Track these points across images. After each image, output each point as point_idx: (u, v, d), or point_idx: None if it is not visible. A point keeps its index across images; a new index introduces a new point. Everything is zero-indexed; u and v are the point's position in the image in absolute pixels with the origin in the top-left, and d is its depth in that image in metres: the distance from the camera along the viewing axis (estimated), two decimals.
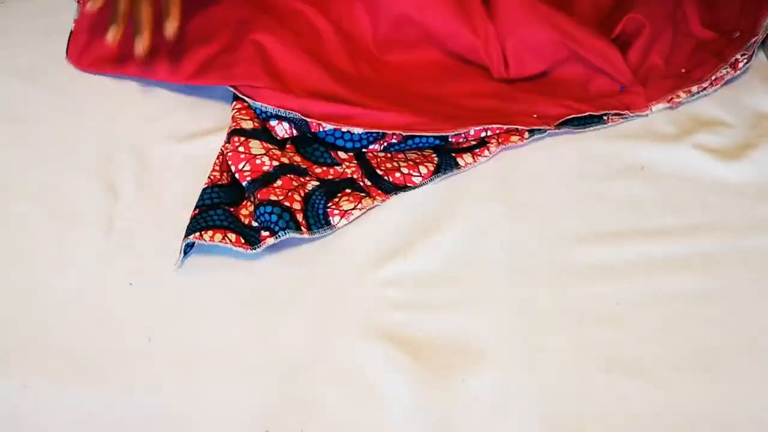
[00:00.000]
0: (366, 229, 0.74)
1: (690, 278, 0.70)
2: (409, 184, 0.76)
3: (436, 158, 0.78)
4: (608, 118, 0.82)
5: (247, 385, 0.63)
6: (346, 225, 0.73)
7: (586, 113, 0.81)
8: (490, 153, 0.79)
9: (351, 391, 0.63)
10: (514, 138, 0.80)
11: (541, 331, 0.67)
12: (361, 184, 0.76)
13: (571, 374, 0.64)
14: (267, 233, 0.71)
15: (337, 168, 0.77)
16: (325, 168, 0.77)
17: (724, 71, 0.85)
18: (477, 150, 0.79)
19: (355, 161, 0.78)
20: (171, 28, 0.75)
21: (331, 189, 0.75)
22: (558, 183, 0.78)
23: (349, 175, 0.77)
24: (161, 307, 0.68)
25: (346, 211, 0.74)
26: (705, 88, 0.85)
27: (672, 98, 0.84)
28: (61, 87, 0.84)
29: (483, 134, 0.80)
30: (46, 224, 0.73)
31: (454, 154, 0.78)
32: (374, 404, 0.62)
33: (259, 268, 0.71)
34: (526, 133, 0.80)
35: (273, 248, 0.71)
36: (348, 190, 0.75)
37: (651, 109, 0.83)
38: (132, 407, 0.62)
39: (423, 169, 0.77)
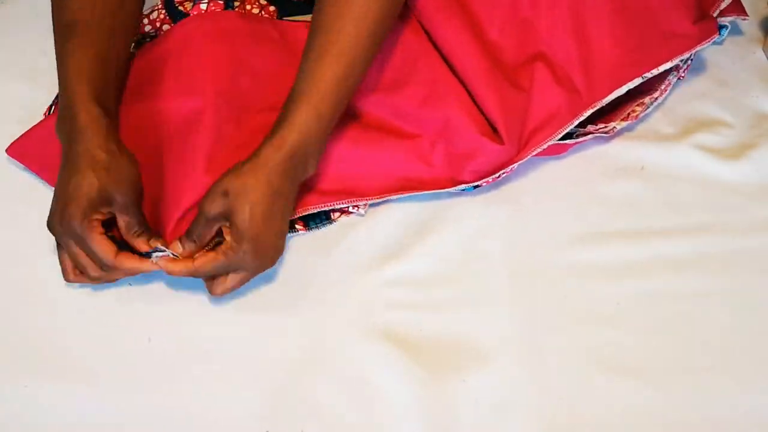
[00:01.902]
0: (366, 229, 0.74)
1: (690, 278, 0.70)
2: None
3: None
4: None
5: (247, 385, 0.63)
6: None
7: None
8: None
9: (351, 391, 0.63)
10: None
11: (541, 331, 0.67)
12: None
13: (571, 374, 0.64)
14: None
15: None
16: None
17: (671, 77, 0.84)
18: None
19: None
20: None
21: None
22: (558, 183, 0.78)
23: None
24: (161, 307, 0.68)
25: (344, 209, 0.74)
26: (656, 98, 0.83)
27: (629, 114, 0.82)
28: None
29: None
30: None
31: None
32: (374, 404, 0.62)
33: None
34: None
35: None
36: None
37: (615, 129, 0.81)
38: (132, 407, 0.62)
39: None
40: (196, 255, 0.65)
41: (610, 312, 0.68)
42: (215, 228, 0.65)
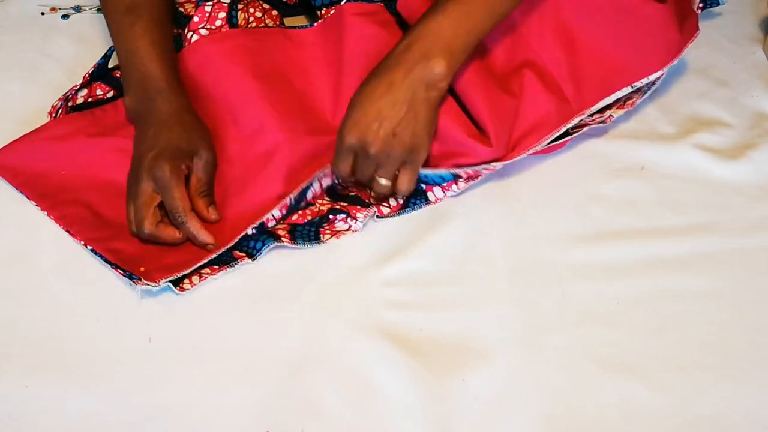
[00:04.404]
0: (366, 229, 0.74)
1: (690, 278, 0.70)
2: (377, 213, 0.75)
3: None
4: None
5: (247, 385, 0.63)
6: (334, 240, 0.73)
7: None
8: (458, 188, 0.76)
9: (351, 391, 0.63)
10: (481, 168, 0.76)
11: (541, 330, 0.67)
12: (338, 207, 0.75)
13: (571, 374, 0.64)
14: (242, 253, 0.71)
15: (312, 209, 0.75)
16: (300, 212, 0.75)
17: None
18: (445, 184, 0.76)
19: (327, 197, 0.76)
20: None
21: (320, 222, 0.74)
22: (558, 183, 0.78)
23: (326, 212, 0.74)
24: (161, 307, 0.68)
25: (338, 231, 0.73)
26: (653, 83, 0.82)
27: (625, 102, 0.81)
28: (60, 87, 0.84)
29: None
30: (47, 224, 0.73)
31: (424, 186, 0.76)
32: (374, 404, 0.62)
33: (259, 269, 0.71)
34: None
35: (273, 249, 0.72)
36: (331, 216, 0.74)
37: (612, 117, 0.81)
38: (132, 407, 0.62)
39: (392, 201, 0.76)
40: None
41: (609, 311, 0.68)
42: None
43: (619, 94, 0.78)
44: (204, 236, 0.70)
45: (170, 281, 0.68)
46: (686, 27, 0.80)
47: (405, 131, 0.68)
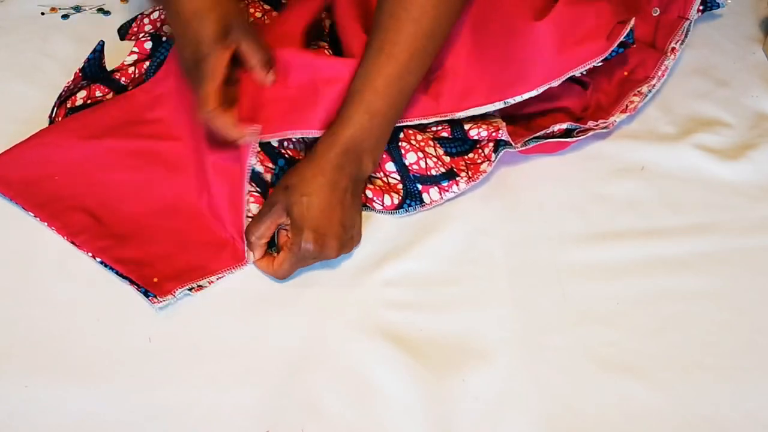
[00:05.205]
0: (366, 229, 0.74)
1: (690, 278, 0.70)
2: (368, 205, 0.75)
3: (402, 189, 0.75)
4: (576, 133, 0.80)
5: (248, 385, 0.63)
6: None
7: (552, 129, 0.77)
8: (458, 189, 0.75)
9: (351, 391, 0.63)
10: (483, 167, 0.76)
11: (541, 330, 0.67)
12: None
13: (571, 374, 0.64)
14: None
15: None
16: None
17: (668, 62, 0.83)
18: (445, 184, 0.75)
19: None
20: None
21: None
22: (558, 183, 0.78)
23: None
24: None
25: None
26: (654, 85, 0.83)
27: (627, 106, 0.81)
28: (60, 87, 0.84)
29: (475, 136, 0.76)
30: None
31: (420, 186, 0.75)
32: (374, 404, 0.62)
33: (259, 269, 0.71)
34: (492, 155, 0.76)
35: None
36: None
37: (615, 122, 0.80)
38: (132, 407, 0.62)
39: (387, 200, 0.75)
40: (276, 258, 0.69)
41: (609, 311, 0.68)
42: (276, 224, 0.68)
43: (490, 107, 0.75)
44: (234, 132, 0.69)
45: (188, 288, 0.68)
46: (584, 49, 0.75)
47: (339, 237, 0.68)
